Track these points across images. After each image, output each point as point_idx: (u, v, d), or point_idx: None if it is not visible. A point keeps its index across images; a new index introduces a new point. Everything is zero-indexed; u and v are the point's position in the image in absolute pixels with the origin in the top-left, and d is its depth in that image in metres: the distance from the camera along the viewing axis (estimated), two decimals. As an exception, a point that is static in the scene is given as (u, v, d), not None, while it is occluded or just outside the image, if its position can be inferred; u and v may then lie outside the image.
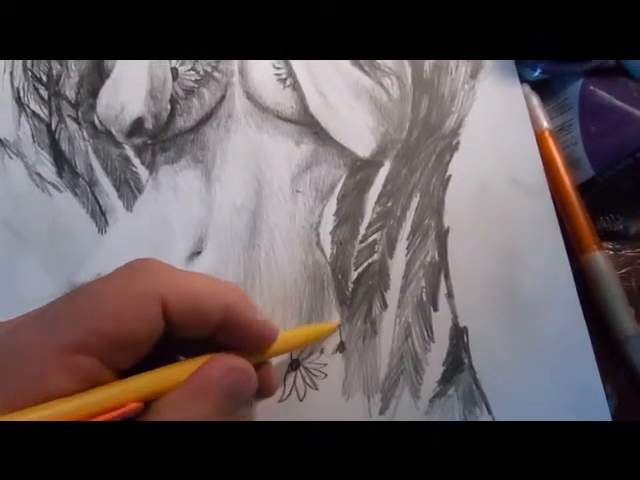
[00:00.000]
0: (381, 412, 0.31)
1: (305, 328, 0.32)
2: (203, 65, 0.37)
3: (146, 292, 0.21)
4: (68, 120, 0.36)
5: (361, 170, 0.36)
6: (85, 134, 0.36)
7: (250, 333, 0.24)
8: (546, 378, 0.32)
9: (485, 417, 0.31)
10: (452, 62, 0.39)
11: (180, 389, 0.21)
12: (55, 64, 0.37)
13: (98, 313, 0.20)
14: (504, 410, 0.31)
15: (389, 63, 0.38)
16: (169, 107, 0.37)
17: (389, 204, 0.35)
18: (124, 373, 0.21)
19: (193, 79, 0.37)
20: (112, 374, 0.21)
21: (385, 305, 0.33)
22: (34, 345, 0.19)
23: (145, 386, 0.21)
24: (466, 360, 0.32)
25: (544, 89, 0.40)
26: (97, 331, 0.20)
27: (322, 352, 0.32)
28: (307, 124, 0.37)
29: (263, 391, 0.27)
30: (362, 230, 0.35)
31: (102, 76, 0.37)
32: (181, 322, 0.22)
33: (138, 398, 0.21)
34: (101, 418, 0.19)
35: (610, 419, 0.32)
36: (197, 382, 0.22)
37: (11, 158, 0.35)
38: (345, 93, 0.38)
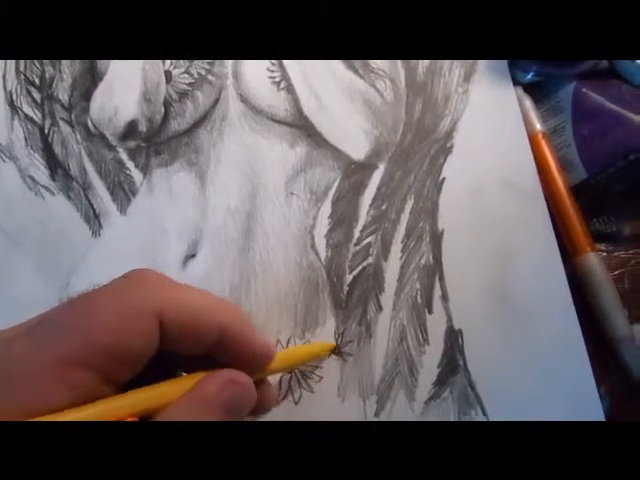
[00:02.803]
0: (376, 414, 0.31)
1: (302, 347, 0.32)
2: (197, 68, 0.37)
3: (143, 306, 0.21)
4: (61, 123, 0.36)
5: (355, 173, 0.36)
6: (78, 137, 0.36)
7: (247, 352, 0.24)
8: (540, 380, 0.32)
9: (480, 419, 0.31)
10: (445, 65, 0.39)
11: (179, 403, 0.21)
12: (48, 67, 0.37)
13: (95, 327, 0.20)
14: (499, 412, 0.31)
15: (383, 66, 0.38)
16: (163, 110, 0.36)
17: (383, 207, 0.35)
18: (120, 388, 0.21)
19: (187, 82, 0.37)
20: (108, 389, 0.21)
21: (380, 308, 0.33)
22: (31, 358, 0.19)
23: (141, 402, 0.21)
24: (461, 362, 0.32)
25: (537, 92, 0.40)
26: (94, 345, 0.20)
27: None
28: (301, 127, 0.37)
29: (259, 408, 0.26)
30: (357, 233, 0.35)
31: (95, 79, 0.37)
32: (177, 337, 0.22)
33: (134, 413, 0.21)
34: None
35: (604, 420, 0.32)
36: (196, 396, 0.22)
37: (4, 161, 0.35)
38: (339, 96, 0.38)
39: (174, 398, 0.21)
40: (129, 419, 0.20)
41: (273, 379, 0.31)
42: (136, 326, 0.21)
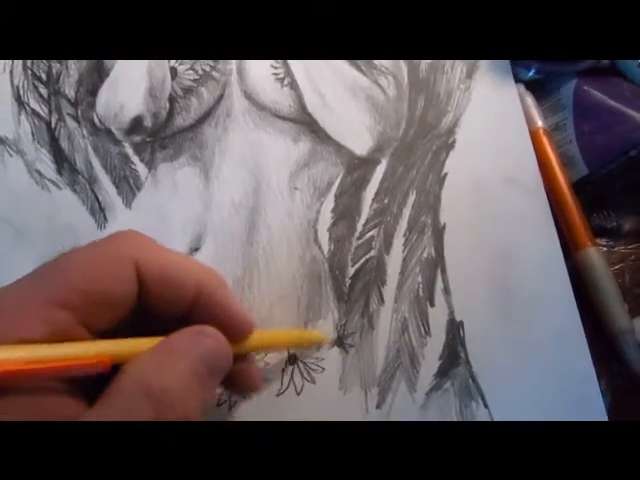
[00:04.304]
0: (378, 406, 0.31)
1: (286, 332, 0.31)
2: (202, 64, 0.38)
3: (119, 254, 0.22)
4: (68, 118, 0.37)
5: (358, 168, 0.36)
6: (85, 132, 0.36)
7: (226, 315, 0.24)
8: (541, 372, 0.32)
9: (481, 410, 0.32)
10: (448, 62, 0.39)
11: (149, 352, 0.21)
12: (55, 63, 0.38)
13: (74, 272, 0.21)
14: (500, 403, 0.32)
15: (385, 62, 0.39)
16: (168, 106, 0.37)
17: (386, 201, 0.36)
18: (98, 336, 0.22)
19: (192, 78, 0.38)
20: (86, 333, 0.21)
21: (382, 300, 0.33)
22: (17, 299, 0.20)
23: (118, 348, 0.21)
24: (462, 354, 0.33)
25: (538, 89, 0.41)
26: (73, 286, 0.21)
27: (319, 347, 0.32)
28: (305, 123, 0.37)
29: (245, 385, 0.27)
30: (359, 227, 0.35)
31: (101, 75, 0.37)
32: (155, 289, 0.23)
33: (105, 356, 0.21)
34: (66, 363, 0.20)
35: (605, 414, 0.32)
36: (166, 346, 0.22)
37: (11, 156, 0.35)
38: (342, 92, 0.38)
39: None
40: (101, 359, 0.20)
41: (260, 373, 0.30)
42: (113, 271, 0.22)
